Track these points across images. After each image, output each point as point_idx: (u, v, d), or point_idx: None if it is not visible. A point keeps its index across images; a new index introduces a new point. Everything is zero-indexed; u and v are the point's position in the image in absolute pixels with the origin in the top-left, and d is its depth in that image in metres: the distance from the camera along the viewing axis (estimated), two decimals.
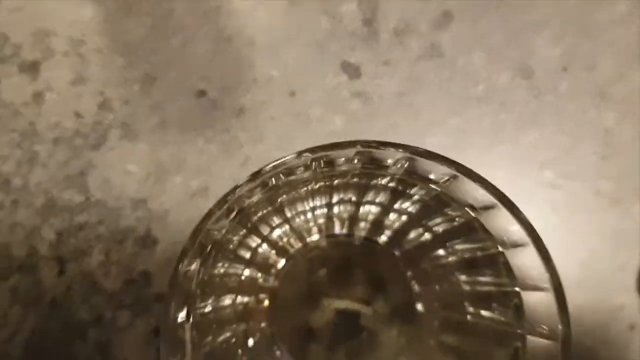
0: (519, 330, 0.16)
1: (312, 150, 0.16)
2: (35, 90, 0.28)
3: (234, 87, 0.28)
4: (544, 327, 0.15)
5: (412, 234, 0.21)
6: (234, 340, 0.20)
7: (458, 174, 0.16)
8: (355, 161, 0.18)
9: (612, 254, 0.26)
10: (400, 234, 0.22)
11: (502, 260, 0.17)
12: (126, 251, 0.27)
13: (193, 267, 0.18)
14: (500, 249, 0.17)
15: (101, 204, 0.27)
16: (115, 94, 0.28)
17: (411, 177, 0.18)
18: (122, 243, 0.27)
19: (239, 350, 0.20)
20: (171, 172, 0.27)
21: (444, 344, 0.21)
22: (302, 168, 0.18)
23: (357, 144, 0.16)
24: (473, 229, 0.18)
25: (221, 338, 0.20)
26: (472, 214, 0.18)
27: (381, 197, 0.21)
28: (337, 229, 0.23)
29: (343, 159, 0.18)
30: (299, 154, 0.16)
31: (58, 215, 0.27)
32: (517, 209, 0.15)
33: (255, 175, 0.16)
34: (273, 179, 0.17)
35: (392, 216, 0.21)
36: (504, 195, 0.15)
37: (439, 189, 0.18)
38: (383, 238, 0.22)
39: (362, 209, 0.21)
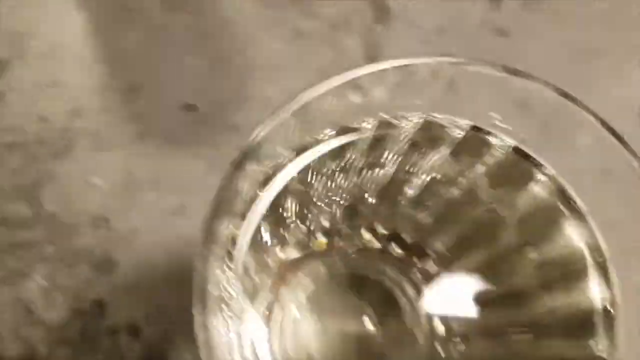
0: None
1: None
2: None
3: (227, 103, 0.26)
4: None
5: None
6: None
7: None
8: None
9: None
10: None
11: None
12: (77, 276, 0.22)
13: None
14: None
15: (54, 219, 0.23)
16: (91, 101, 0.25)
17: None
18: (72, 266, 0.22)
19: None
20: (144, 187, 0.24)
21: None
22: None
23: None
24: None
25: None
26: None
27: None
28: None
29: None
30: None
31: None
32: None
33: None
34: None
35: None
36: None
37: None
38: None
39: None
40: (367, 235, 0.19)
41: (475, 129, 0.17)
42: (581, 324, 0.15)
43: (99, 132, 0.25)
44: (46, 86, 0.25)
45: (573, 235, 0.16)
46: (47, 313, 0.22)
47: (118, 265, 0.23)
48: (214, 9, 0.28)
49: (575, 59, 0.30)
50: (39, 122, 0.25)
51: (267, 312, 0.18)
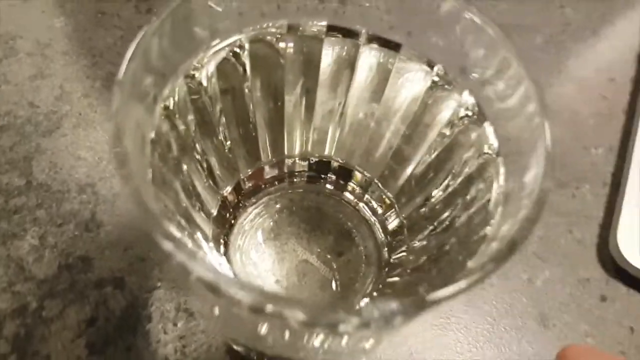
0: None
1: None
2: None
3: None
4: None
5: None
6: None
7: None
8: None
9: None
10: None
11: None
12: (65, 235, 0.24)
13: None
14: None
15: (44, 187, 0.25)
16: (75, 88, 0.28)
17: None
18: (61, 226, 0.25)
19: None
20: None
21: None
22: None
23: None
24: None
25: None
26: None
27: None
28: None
29: None
30: None
31: None
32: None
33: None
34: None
35: None
36: None
37: None
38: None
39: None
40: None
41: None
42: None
43: (83, 114, 0.28)
44: (35, 78, 0.28)
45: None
46: (38, 269, 0.24)
47: (102, 225, 0.25)
48: None
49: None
50: (29, 107, 0.27)
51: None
